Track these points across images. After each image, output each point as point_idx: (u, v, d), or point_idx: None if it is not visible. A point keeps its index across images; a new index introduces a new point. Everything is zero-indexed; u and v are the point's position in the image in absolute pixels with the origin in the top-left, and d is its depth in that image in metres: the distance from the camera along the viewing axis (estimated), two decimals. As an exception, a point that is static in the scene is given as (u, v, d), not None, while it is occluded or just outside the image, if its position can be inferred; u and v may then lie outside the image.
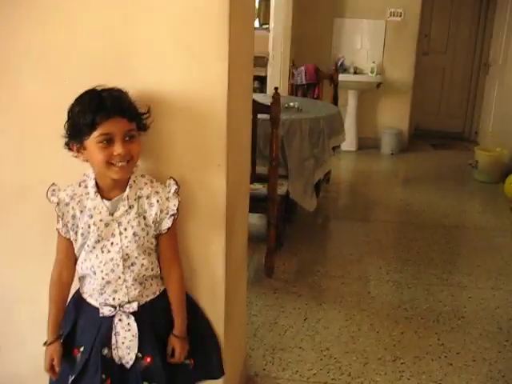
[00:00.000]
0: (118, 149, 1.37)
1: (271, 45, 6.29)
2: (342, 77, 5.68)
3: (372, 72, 6.69)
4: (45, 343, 1.57)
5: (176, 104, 1.54)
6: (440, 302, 3.07)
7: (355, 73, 6.78)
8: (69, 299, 1.62)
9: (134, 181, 1.49)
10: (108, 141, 1.37)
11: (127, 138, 1.40)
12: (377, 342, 2.65)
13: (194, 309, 1.71)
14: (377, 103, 6.95)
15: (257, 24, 7.00)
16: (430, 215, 4.61)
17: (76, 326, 1.58)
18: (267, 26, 6.62)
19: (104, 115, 1.35)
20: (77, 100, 1.39)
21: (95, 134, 1.36)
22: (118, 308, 1.52)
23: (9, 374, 1.97)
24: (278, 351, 2.54)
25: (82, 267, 1.52)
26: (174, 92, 1.53)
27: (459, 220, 4.57)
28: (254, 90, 5.75)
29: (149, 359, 1.56)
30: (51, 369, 1.57)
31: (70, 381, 1.56)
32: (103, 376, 1.53)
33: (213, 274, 1.71)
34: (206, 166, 1.60)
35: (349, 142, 6.33)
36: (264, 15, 7.09)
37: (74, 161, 1.48)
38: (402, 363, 2.48)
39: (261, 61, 6.26)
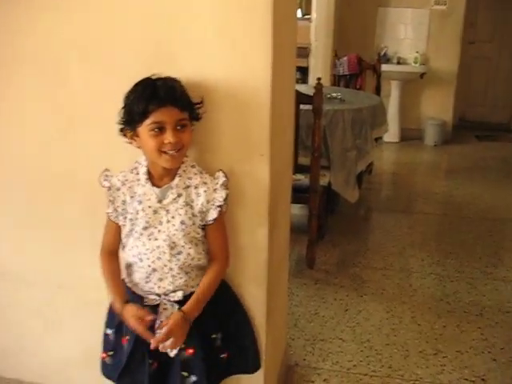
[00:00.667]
0: (168, 137, 1.40)
1: (313, 35, 6.25)
2: (385, 67, 5.61)
3: (415, 62, 6.59)
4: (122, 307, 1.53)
5: (221, 94, 1.55)
6: (484, 296, 3.02)
7: (398, 63, 6.69)
8: None
9: (184, 170, 1.51)
10: (160, 129, 1.39)
11: (178, 127, 1.42)
12: (418, 334, 2.63)
13: (234, 303, 1.71)
14: (420, 94, 6.84)
15: (299, 14, 6.96)
16: (474, 208, 4.53)
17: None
18: (309, 16, 6.57)
19: (156, 104, 1.37)
20: (132, 88, 1.42)
21: (147, 121, 1.39)
22: (162, 296, 1.54)
23: (57, 357, 2.04)
24: (318, 342, 2.55)
25: (129, 254, 1.55)
26: (218, 82, 1.55)
27: (504, 213, 4.47)
28: (296, 81, 5.71)
29: (191, 351, 1.57)
30: (142, 327, 1.48)
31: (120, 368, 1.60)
32: (150, 361, 1.56)
33: (255, 264, 1.72)
34: (249, 156, 1.61)
35: (391, 133, 6.26)
36: (306, 5, 7.04)
37: (123, 148, 1.52)
38: (443, 357, 2.46)
39: (303, 51, 6.22)
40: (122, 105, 1.45)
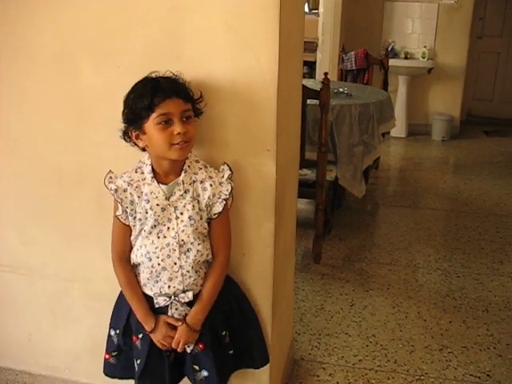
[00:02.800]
0: (177, 128, 1.40)
1: (320, 30, 6.24)
2: (392, 62, 5.60)
3: (423, 57, 6.56)
4: (151, 331, 1.56)
5: (227, 89, 1.55)
6: (490, 292, 3.02)
7: (406, 58, 6.66)
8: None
9: (189, 166, 1.51)
10: (166, 121, 1.40)
11: (184, 119, 1.42)
12: (424, 330, 2.63)
13: (241, 300, 1.72)
14: (428, 89, 6.81)
15: (306, 9, 6.95)
16: (482, 203, 4.52)
17: (131, 314, 1.61)
18: (317, 10, 6.56)
19: (161, 96, 1.38)
20: (132, 88, 1.43)
21: (154, 115, 1.39)
22: (172, 297, 1.54)
23: (64, 349, 2.05)
24: (324, 336, 2.55)
25: (137, 254, 1.55)
26: (224, 77, 1.55)
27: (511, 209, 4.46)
28: (304, 76, 5.71)
29: (201, 346, 1.59)
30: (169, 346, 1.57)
31: (136, 364, 1.62)
32: (167, 353, 1.59)
33: (261, 258, 1.72)
34: (255, 151, 1.61)
35: (399, 128, 6.24)
36: (314, 0, 7.03)
37: (129, 146, 1.52)
38: (449, 352, 2.46)
39: (310, 46, 6.22)
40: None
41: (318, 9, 6.49)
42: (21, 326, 2.08)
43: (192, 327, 1.54)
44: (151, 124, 1.40)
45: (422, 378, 2.29)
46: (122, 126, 1.48)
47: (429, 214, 4.28)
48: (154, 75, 1.45)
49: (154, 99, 1.38)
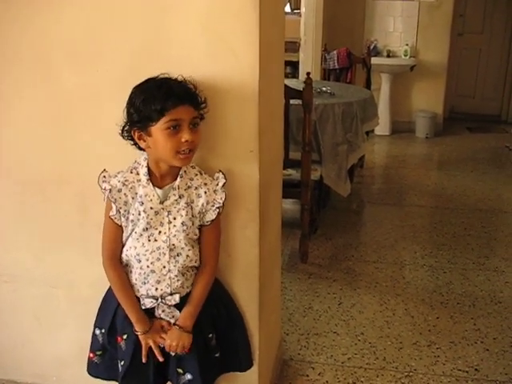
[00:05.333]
0: (186, 135, 1.38)
1: (303, 29, 6.24)
2: (374, 60, 5.62)
3: (405, 55, 6.59)
4: (142, 332, 1.55)
5: (208, 91, 1.54)
6: (476, 287, 3.03)
7: (388, 56, 6.69)
8: (107, 288, 1.64)
9: (185, 171, 1.50)
10: (175, 127, 1.37)
11: (191, 126, 1.40)
12: (412, 326, 2.64)
13: (228, 302, 1.72)
14: (411, 86, 6.84)
15: (288, 9, 6.97)
16: (466, 199, 4.55)
17: (116, 314, 1.60)
18: (298, 10, 6.57)
19: (174, 101, 1.36)
20: (138, 88, 1.40)
21: (164, 119, 1.36)
22: (159, 300, 1.53)
23: (50, 355, 2.03)
24: (312, 336, 2.55)
25: (126, 254, 1.54)
26: (205, 79, 1.54)
27: (496, 204, 4.49)
28: (286, 76, 5.72)
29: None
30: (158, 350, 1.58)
31: (120, 365, 1.60)
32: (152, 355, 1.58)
33: (247, 259, 1.72)
34: (238, 152, 1.60)
35: (382, 126, 6.25)
36: (295, 0, 7.04)
37: (112, 146, 1.51)
38: (437, 348, 2.47)
39: (293, 46, 6.23)
40: (121, 106, 1.43)
41: (299, 9, 6.50)
42: (5, 333, 2.05)
43: (183, 328, 1.54)
44: (159, 128, 1.37)
45: (411, 374, 2.29)
46: (121, 122, 1.45)
47: (414, 211, 4.30)
48: (162, 76, 1.43)
49: (167, 104, 1.35)
